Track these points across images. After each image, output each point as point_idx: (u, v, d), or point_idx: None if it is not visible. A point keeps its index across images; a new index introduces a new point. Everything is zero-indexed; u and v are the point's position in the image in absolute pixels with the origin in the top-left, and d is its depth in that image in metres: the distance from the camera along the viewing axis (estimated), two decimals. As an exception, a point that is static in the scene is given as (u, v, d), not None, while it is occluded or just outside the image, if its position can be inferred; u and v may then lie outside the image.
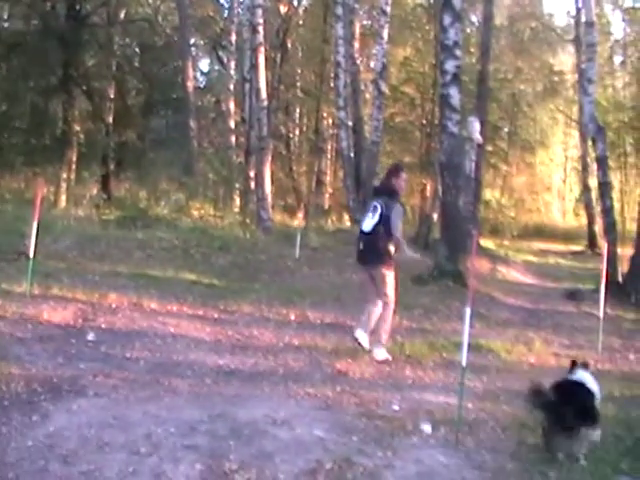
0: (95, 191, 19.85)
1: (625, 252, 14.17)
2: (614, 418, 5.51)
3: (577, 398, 4.57)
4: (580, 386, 4.71)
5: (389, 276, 7.19)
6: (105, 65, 25.10)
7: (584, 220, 29.09)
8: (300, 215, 16.70)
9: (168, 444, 4.34)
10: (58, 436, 4.37)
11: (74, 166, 22.63)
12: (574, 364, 5.03)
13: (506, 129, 32.94)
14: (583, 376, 4.87)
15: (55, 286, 8.70)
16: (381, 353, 7.11)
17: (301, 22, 28.98)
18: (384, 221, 7.06)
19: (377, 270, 7.19)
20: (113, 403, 5.08)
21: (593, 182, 22.64)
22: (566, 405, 4.45)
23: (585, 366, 5.05)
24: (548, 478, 4.25)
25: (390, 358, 7.11)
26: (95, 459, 4.09)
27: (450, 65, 12.23)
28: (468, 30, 27.19)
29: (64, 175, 21.73)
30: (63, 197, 20.35)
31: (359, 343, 7.08)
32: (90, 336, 6.92)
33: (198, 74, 35.11)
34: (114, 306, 8.25)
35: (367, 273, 7.38)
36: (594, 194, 24.79)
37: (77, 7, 22.63)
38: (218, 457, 4.19)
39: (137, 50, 29.38)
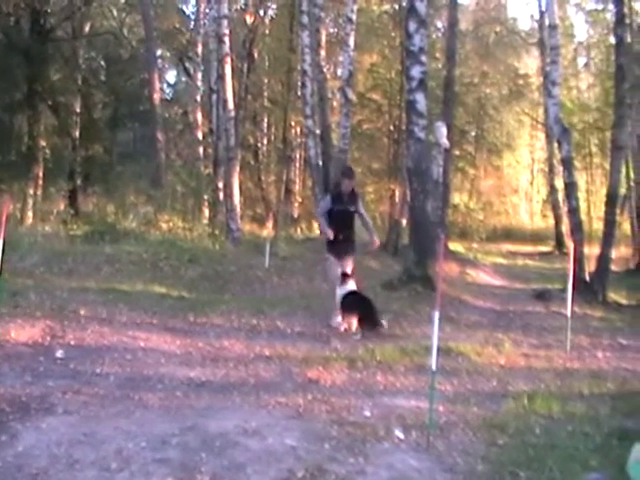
0: (62, 206, 19.68)
1: (592, 251, 14.37)
2: (583, 416, 5.60)
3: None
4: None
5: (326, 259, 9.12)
6: (70, 79, 24.95)
7: (551, 221, 29.44)
8: (269, 225, 16.64)
9: (139, 459, 4.31)
10: (27, 455, 4.32)
11: (41, 182, 22.48)
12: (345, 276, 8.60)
13: (473, 133, 33.28)
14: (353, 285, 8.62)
15: (22, 304, 8.57)
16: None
17: (267, 32, 29.05)
18: None
19: None
20: (83, 420, 5.03)
21: (559, 183, 22.84)
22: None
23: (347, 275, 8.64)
24: (519, 479, 4.28)
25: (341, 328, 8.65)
26: (66, 477, 4.05)
27: (416, 71, 12.26)
28: (433, 36, 27.44)
29: (30, 191, 21.58)
30: (30, 213, 20.17)
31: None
32: (59, 353, 6.83)
33: (165, 86, 35.19)
34: (83, 322, 8.14)
35: None
36: (561, 195, 25.10)
37: (41, 21, 22.50)
38: (190, 470, 4.17)
39: (102, 63, 29.24)
